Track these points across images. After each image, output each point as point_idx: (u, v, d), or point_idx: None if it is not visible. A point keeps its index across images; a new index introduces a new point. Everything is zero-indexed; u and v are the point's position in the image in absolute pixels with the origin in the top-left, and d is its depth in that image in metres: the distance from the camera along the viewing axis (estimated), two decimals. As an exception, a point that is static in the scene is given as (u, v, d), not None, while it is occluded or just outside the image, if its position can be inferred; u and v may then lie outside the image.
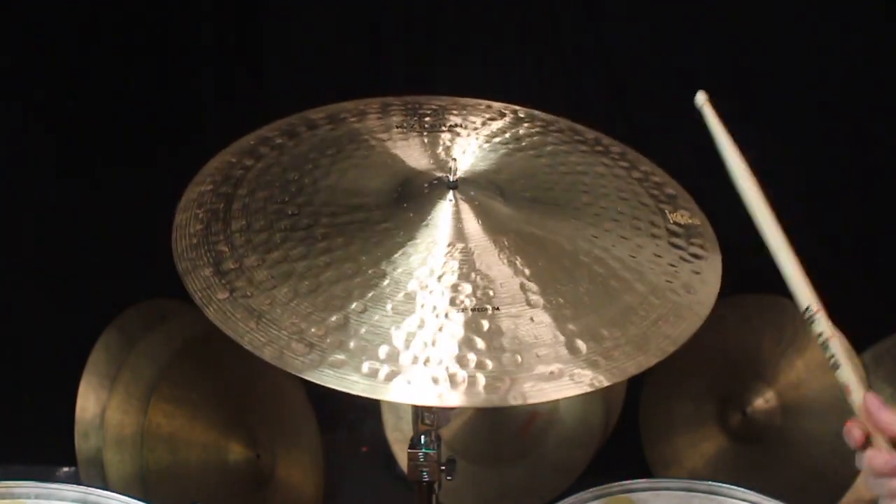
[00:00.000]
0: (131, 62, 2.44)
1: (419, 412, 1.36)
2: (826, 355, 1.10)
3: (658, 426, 2.50)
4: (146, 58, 2.46)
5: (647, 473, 2.31)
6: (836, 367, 1.09)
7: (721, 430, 2.46)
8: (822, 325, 1.10)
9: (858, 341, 2.37)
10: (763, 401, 2.41)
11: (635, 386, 2.40)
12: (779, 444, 2.38)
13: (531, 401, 1.16)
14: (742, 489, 1.45)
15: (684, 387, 2.46)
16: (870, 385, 2.34)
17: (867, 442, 1.07)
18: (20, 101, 2.40)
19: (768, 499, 1.44)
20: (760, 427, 2.40)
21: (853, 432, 1.07)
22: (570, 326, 1.23)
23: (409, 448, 1.39)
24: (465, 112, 1.55)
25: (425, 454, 1.39)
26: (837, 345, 1.09)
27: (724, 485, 1.46)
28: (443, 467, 1.41)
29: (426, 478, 1.39)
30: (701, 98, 1.19)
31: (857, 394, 1.09)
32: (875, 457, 1.06)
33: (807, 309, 1.10)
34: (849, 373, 1.09)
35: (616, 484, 1.45)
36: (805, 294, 1.11)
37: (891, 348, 2.44)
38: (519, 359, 1.19)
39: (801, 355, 2.37)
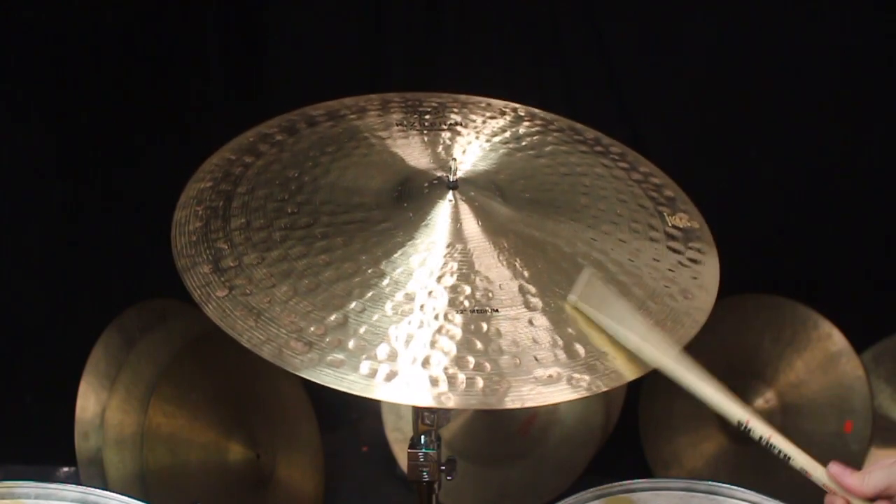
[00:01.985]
0: (131, 59, 2.44)
1: (419, 412, 1.36)
2: (775, 452, 1.14)
3: (658, 426, 2.50)
4: (146, 54, 2.46)
5: (647, 473, 2.31)
6: (787, 458, 1.13)
7: (721, 430, 2.46)
8: (760, 429, 1.15)
9: (858, 341, 2.37)
10: (763, 401, 2.41)
11: (635, 386, 2.40)
12: (779, 444, 2.38)
13: (529, 405, 1.16)
14: (742, 489, 1.45)
15: (684, 387, 2.46)
16: (870, 385, 2.35)
17: None
18: (21, 101, 2.41)
19: (768, 499, 1.44)
20: (760, 427, 2.40)
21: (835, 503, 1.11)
22: (569, 330, 1.23)
23: (409, 448, 1.39)
24: (465, 110, 1.55)
25: (425, 454, 1.38)
26: (780, 439, 1.14)
27: (723, 485, 1.46)
28: (443, 467, 1.40)
29: (426, 478, 1.39)
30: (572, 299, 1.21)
31: (818, 471, 1.12)
32: None
33: (739, 422, 1.15)
34: (802, 458, 1.13)
35: (616, 484, 1.45)
36: (734, 410, 1.15)
37: (891, 348, 2.45)
38: (517, 362, 1.18)
39: (801, 355, 2.38)
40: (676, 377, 1.17)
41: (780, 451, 1.13)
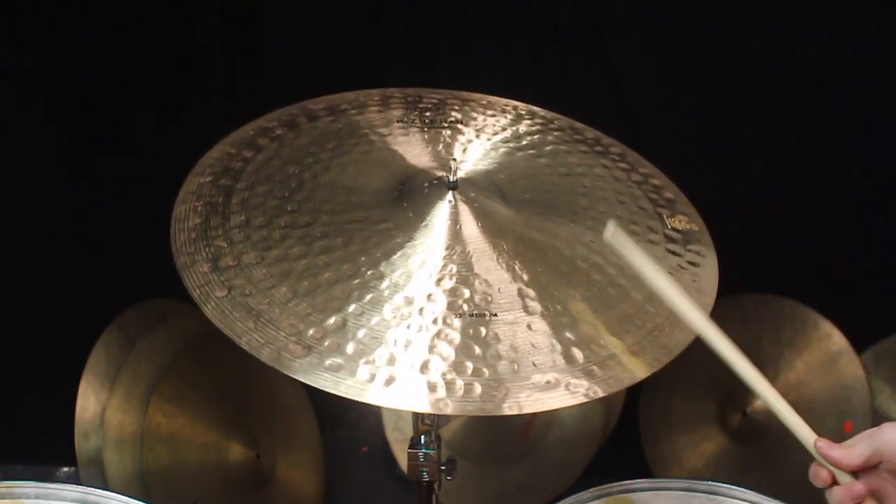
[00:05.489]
0: (129, 54, 2.43)
1: (419, 413, 1.36)
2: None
3: (658, 426, 2.49)
4: (145, 49, 2.45)
5: (647, 473, 2.31)
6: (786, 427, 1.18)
7: (721, 430, 2.46)
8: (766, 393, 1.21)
9: (858, 341, 2.37)
10: (763, 401, 2.41)
11: (635, 386, 2.40)
12: (779, 444, 2.37)
13: (527, 410, 1.15)
14: (742, 489, 1.45)
15: (684, 387, 2.46)
16: (870, 385, 2.35)
17: (834, 481, 1.14)
18: (20, 99, 2.40)
19: (768, 499, 1.44)
20: (760, 427, 2.40)
21: (820, 474, 1.15)
22: (567, 335, 1.22)
23: (409, 448, 1.39)
24: (466, 108, 1.54)
25: (425, 454, 1.38)
26: (782, 406, 1.22)
27: (723, 485, 1.46)
28: (443, 467, 1.40)
29: (426, 478, 1.39)
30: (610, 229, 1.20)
31: (809, 443, 1.17)
32: (835, 492, 1.14)
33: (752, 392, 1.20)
34: (800, 430, 1.19)
35: (616, 484, 1.45)
36: (756, 380, 1.23)
37: (891, 348, 2.44)
38: (516, 367, 1.18)
39: (801, 355, 2.37)
40: (705, 336, 1.18)
41: (779, 416, 1.18)
